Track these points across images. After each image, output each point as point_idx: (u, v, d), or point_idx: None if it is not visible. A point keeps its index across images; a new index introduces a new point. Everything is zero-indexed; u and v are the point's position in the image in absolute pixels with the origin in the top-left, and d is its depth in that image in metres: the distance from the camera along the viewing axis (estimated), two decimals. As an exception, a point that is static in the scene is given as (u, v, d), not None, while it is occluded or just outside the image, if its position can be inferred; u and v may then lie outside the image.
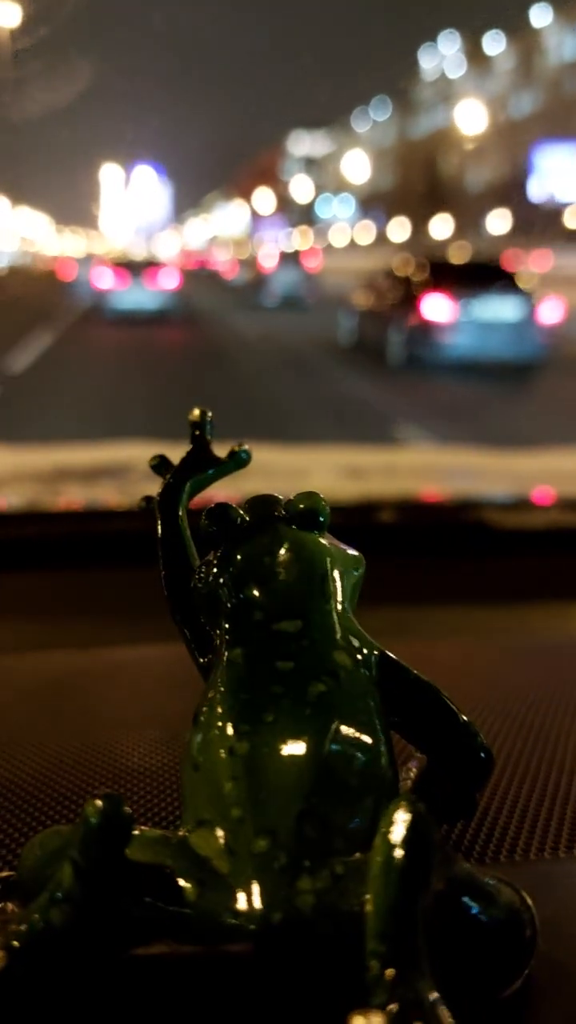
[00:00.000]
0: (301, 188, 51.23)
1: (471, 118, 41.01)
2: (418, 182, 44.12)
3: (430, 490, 1.40)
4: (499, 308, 9.09)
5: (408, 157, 47.03)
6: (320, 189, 51.74)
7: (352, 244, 43.81)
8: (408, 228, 42.84)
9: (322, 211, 51.22)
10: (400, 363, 9.11)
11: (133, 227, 39.08)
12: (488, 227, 37.43)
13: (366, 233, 45.34)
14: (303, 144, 52.60)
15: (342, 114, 46.60)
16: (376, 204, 47.52)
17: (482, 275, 9.57)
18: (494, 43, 43.30)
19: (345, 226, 47.17)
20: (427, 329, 8.95)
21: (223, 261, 29.27)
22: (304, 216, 50.06)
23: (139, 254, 18.59)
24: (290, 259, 18.69)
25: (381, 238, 42.28)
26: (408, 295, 9.31)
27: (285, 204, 49.82)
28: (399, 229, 43.28)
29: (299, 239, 44.26)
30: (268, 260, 18.90)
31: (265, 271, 18.47)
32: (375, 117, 50.15)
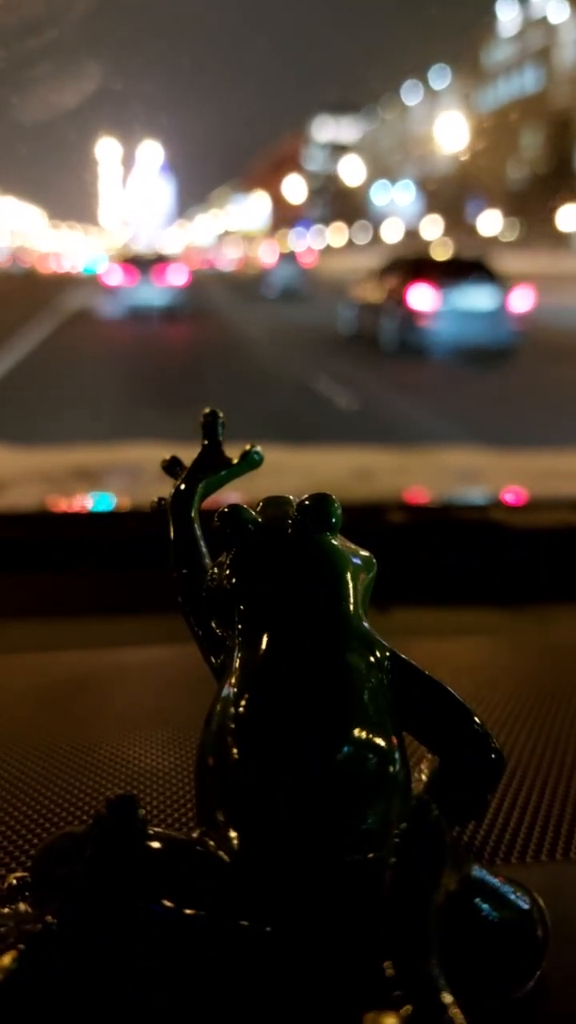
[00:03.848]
0: (350, 172, 44.24)
1: None
2: (506, 163, 35.25)
3: (439, 490, 1.40)
4: (476, 298, 9.97)
5: (483, 132, 36.82)
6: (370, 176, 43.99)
7: (409, 237, 34.81)
8: (500, 221, 34.78)
9: (378, 199, 42.33)
10: (392, 349, 9.95)
11: (136, 222, 38.17)
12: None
13: (434, 227, 36.62)
14: (328, 129, 47.47)
15: (382, 92, 38.10)
16: (433, 191, 39.37)
17: (461, 268, 10.53)
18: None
19: (398, 220, 39.09)
20: (414, 317, 9.81)
21: (233, 259, 29.26)
22: (346, 206, 43.35)
23: (146, 250, 18.83)
24: (288, 257, 21.21)
25: (468, 232, 34.15)
26: (398, 287, 10.18)
27: (309, 195, 45.84)
28: (484, 223, 34.82)
29: (331, 236, 41.07)
30: (268, 257, 21.41)
31: (265, 267, 20.82)
32: (435, 87, 39.23)
